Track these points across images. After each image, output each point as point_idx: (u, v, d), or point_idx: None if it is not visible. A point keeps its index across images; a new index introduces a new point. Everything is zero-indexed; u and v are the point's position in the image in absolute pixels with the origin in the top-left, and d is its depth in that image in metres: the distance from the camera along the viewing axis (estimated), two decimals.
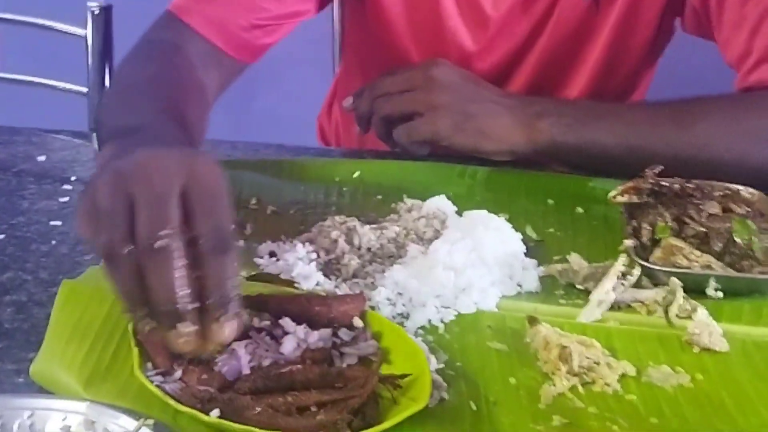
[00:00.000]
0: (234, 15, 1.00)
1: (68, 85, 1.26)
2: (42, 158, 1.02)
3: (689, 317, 0.77)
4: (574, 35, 1.07)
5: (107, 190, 0.61)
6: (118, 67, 1.03)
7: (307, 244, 0.83)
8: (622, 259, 0.80)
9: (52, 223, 0.89)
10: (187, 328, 0.59)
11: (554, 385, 0.69)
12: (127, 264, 0.60)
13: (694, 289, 0.79)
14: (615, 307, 0.78)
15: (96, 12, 1.19)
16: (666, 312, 0.77)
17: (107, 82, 1.21)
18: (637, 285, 0.80)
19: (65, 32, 1.22)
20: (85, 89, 1.22)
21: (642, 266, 0.80)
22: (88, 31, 1.20)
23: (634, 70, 1.11)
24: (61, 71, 1.27)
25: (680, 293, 0.78)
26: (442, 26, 1.08)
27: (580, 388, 0.69)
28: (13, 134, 1.07)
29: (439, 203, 0.90)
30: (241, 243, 0.85)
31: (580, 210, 0.93)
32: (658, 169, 0.88)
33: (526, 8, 1.06)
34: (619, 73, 1.09)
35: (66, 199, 0.94)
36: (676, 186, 0.88)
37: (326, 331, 0.68)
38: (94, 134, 1.09)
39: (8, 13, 1.28)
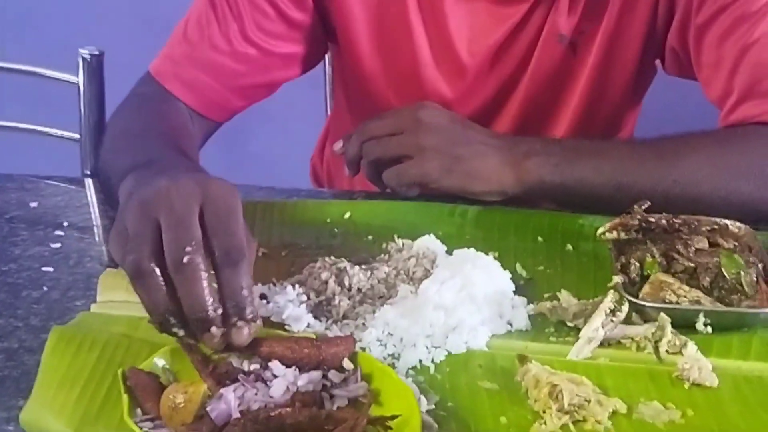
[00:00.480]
0: (210, 80, 1.06)
1: (61, 132, 1.27)
2: (34, 204, 1.02)
3: (679, 352, 0.77)
4: (554, 80, 1.08)
5: (135, 215, 0.70)
6: (111, 118, 1.08)
7: (297, 286, 0.83)
8: (611, 295, 0.80)
9: (44, 269, 0.89)
10: (217, 331, 0.67)
11: (545, 423, 0.69)
12: (156, 279, 0.67)
13: (684, 324, 0.79)
14: (605, 343, 0.78)
15: (88, 59, 1.20)
16: (656, 348, 0.77)
17: (100, 129, 1.21)
18: (627, 321, 0.80)
19: (57, 79, 1.23)
20: (77, 135, 1.23)
21: (631, 302, 0.80)
22: (80, 78, 1.21)
23: (617, 111, 1.12)
24: (53, 118, 1.28)
25: (669, 329, 0.78)
26: (419, 76, 1.09)
27: (571, 426, 0.69)
28: (5, 181, 1.07)
29: (429, 243, 0.91)
30: None
31: (569, 247, 0.94)
32: (646, 205, 0.89)
33: (501, 55, 1.07)
34: (601, 114, 1.10)
35: (58, 245, 0.94)
36: (664, 222, 0.88)
37: (316, 374, 0.68)
38: (87, 180, 1.10)
39: (0, 60, 1.29)
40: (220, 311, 0.67)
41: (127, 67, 1.11)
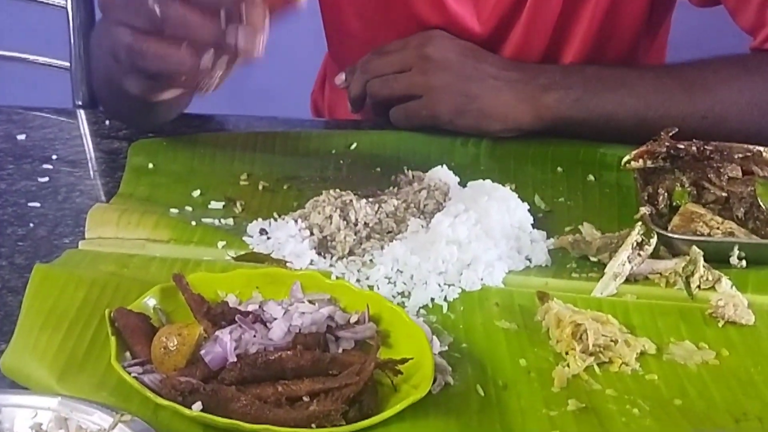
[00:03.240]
0: None
1: (50, 60, 1.20)
2: (22, 137, 0.96)
3: (712, 288, 0.72)
4: (558, 15, 0.99)
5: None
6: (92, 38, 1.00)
7: (299, 220, 0.78)
8: (638, 228, 0.75)
9: (30, 204, 0.84)
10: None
11: (568, 366, 0.64)
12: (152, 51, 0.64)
13: (716, 258, 0.74)
14: (631, 279, 0.73)
15: None
16: (687, 283, 0.72)
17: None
18: (655, 255, 0.75)
19: (44, 2, 1.16)
20: (67, 64, 1.17)
21: (659, 235, 0.75)
22: (68, 2, 1.14)
23: (633, 37, 1.04)
24: (42, 45, 1.21)
25: (701, 263, 0.73)
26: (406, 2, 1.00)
27: (596, 368, 0.64)
28: None
29: (441, 174, 0.85)
30: (231, 221, 0.80)
31: (591, 177, 0.88)
32: (673, 131, 0.83)
33: None
34: (615, 39, 1.02)
35: (45, 179, 0.88)
36: (694, 149, 0.83)
37: (319, 314, 0.63)
38: (78, 111, 1.05)
39: None
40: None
41: None
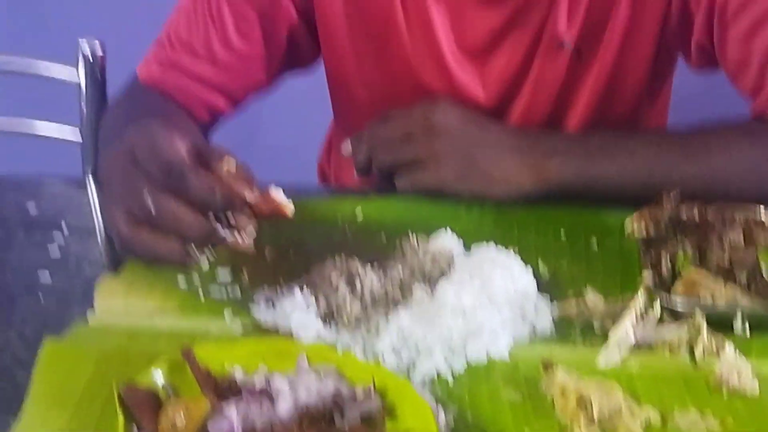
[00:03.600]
0: (194, 84, 1.04)
1: (62, 130, 1.22)
2: (32, 207, 0.98)
3: (716, 356, 0.72)
4: (560, 87, 1.01)
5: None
6: (103, 120, 1.06)
7: (305, 289, 0.78)
8: (641, 294, 0.75)
9: (40, 275, 0.85)
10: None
11: None
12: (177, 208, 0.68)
13: (720, 325, 0.74)
14: (635, 347, 0.73)
15: (88, 54, 1.15)
16: (691, 351, 0.72)
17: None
18: (659, 322, 0.75)
19: (57, 77, 1.18)
20: (79, 138, 1.19)
21: (662, 301, 0.75)
22: (81, 74, 1.16)
23: (635, 101, 1.05)
24: (54, 116, 1.23)
25: (705, 330, 0.73)
26: (406, 80, 1.03)
27: None
28: (4, 183, 1.03)
29: (446, 239, 0.86)
30: (238, 289, 0.81)
31: (594, 242, 0.89)
32: (675, 193, 0.83)
33: (491, 60, 1.01)
34: (617, 104, 1.04)
35: (56, 249, 0.89)
36: (695, 213, 0.83)
37: (325, 388, 0.63)
38: (88, 180, 1.06)
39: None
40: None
41: (131, 63, 1.07)
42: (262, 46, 1.04)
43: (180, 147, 0.68)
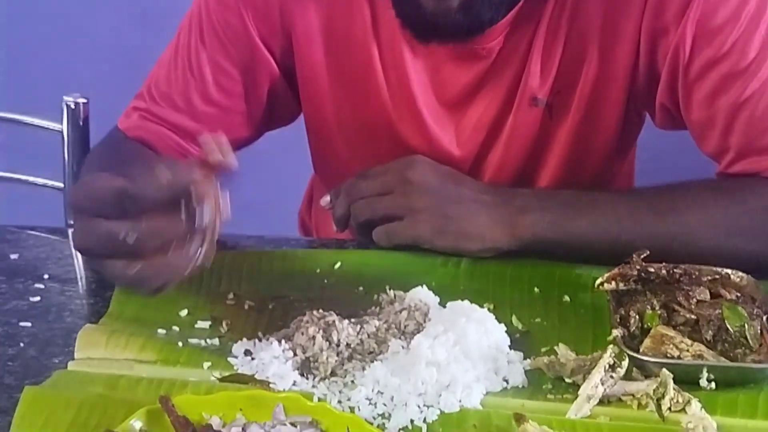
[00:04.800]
0: (174, 136, 1.06)
1: (45, 180, 1.24)
2: (15, 256, 0.99)
3: (683, 410, 0.73)
4: (532, 143, 1.04)
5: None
6: (84, 165, 1.08)
7: (283, 341, 0.80)
8: (611, 350, 0.77)
9: (22, 324, 0.86)
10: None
11: None
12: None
13: (687, 379, 0.76)
14: (605, 401, 0.75)
15: (72, 107, 1.18)
16: (658, 405, 0.74)
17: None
18: (627, 377, 0.77)
19: (41, 127, 1.21)
20: (61, 185, 1.20)
21: (631, 357, 0.77)
22: (64, 126, 1.18)
23: (603, 166, 1.08)
24: (37, 167, 1.25)
25: (672, 385, 0.75)
26: (384, 133, 1.06)
27: None
28: None
29: (422, 294, 0.88)
30: (217, 341, 0.82)
31: (566, 298, 0.91)
32: (645, 254, 0.86)
33: (465, 117, 1.04)
34: (584, 171, 1.07)
35: (37, 298, 0.91)
36: (664, 271, 0.85)
37: None
38: (70, 230, 1.07)
39: None
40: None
41: (114, 115, 1.09)
42: (243, 100, 1.07)
43: (112, 179, 0.68)
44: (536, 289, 0.92)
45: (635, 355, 0.77)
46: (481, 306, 0.84)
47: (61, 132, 1.19)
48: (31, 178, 1.26)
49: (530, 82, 1.01)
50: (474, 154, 1.06)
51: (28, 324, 0.86)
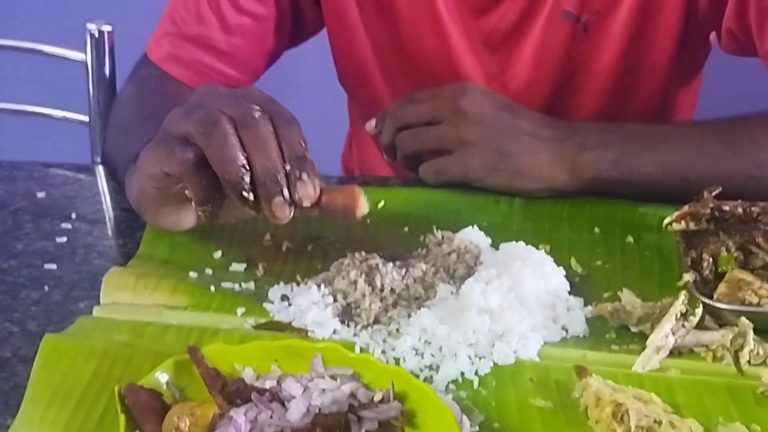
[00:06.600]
0: (206, 57, 1.02)
1: (70, 114, 1.19)
2: (42, 194, 0.94)
3: (763, 363, 0.68)
4: (564, 61, 0.97)
5: (192, 103, 0.69)
6: (113, 107, 1.03)
7: (323, 285, 0.74)
8: (682, 296, 0.70)
9: (47, 266, 0.82)
10: (284, 200, 0.66)
11: None
12: (230, 129, 0.65)
13: (767, 329, 0.69)
14: (675, 352, 0.69)
15: (95, 35, 1.12)
16: (736, 358, 0.68)
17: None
18: (700, 326, 0.70)
19: (64, 57, 1.15)
20: (87, 118, 1.15)
21: (705, 304, 0.70)
22: (88, 56, 1.12)
23: (659, 90, 1.00)
24: (63, 100, 1.20)
25: (751, 335, 0.68)
26: (403, 54, 1.01)
27: None
28: (12, 169, 0.99)
29: (472, 235, 0.82)
30: (252, 285, 0.77)
31: (630, 239, 0.84)
32: (717, 191, 0.79)
33: (494, 32, 0.98)
34: (635, 95, 0.99)
35: (63, 239, 0.86)
36: (740, 210, 0.78)
37: (341, 392, 0.59)
38: (98, 168, 1.03)
39: (3, 39, 1.21)
40: (288, 167, 0.66)
41: (141, 44, 1.04)
42: (273, 6, 1.02)
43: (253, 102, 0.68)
44: (596, 230, 0.86)
45: (710, 302, 0.71)
46: (537, 248, 0.79)
47: (85, 62, 1.13)
48: (55, 112, 1.21)
49: None
50: (496, 64, 0.99)
51: (54, 266, 0.81)
